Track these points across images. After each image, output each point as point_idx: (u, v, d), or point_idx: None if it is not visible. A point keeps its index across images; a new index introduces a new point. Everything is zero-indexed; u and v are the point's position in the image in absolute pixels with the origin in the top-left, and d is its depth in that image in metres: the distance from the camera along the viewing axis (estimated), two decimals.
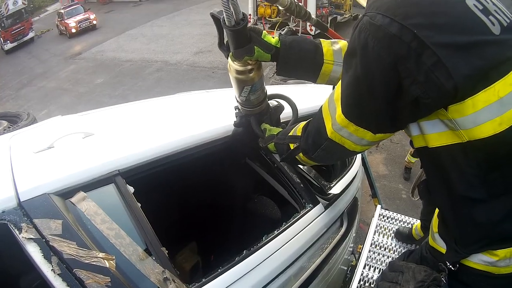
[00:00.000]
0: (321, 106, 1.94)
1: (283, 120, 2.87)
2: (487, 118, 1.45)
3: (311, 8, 17.20)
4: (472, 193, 1.61)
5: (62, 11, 33.89)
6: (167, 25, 28.39)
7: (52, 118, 3.56)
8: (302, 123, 2.24)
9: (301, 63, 2.33)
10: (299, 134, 2.21)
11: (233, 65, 2.29)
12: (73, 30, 31.43)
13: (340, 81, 1.76)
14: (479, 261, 1.78)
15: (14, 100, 19.56)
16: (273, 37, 2.28)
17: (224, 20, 2.05)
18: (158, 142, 2.65)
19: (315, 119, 2.02)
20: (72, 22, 31.71)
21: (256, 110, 2.61)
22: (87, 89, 18.63)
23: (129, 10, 38.33)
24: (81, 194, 2.13)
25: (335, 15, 20.32)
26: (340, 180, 3.51)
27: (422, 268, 2.04)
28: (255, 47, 2.19)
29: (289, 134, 2.33)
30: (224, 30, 2.14)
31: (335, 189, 3.27)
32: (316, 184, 3.13)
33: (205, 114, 3.56)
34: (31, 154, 2.52)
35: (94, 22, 32.97)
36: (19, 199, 1.99)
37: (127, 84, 18.09)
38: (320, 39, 2.38)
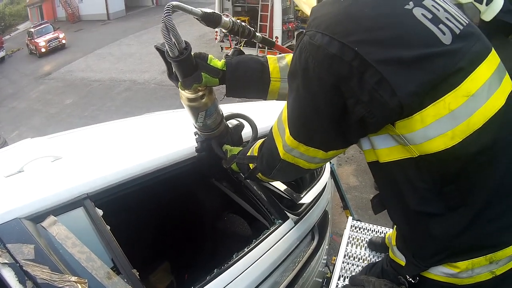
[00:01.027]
0: (271, 127, 1.95)
1: (246, 139, 2.89)
2: (438, 133, 1.42)
3: (277, 23, 17.24)
4: (427, 207, 1.59)
5: (32, 29, 33.79)
6: (135, 44, 28.29)
7: (22, 141, 3.57)
8: (258, 142, 2.25)
9: (248, 83, 2.35)
10: (256, 154, 2.22)
11: (184, 94, 2.32)
12: (43, 50, 31.27)
13: (287, 100, 1.77)
14: (440, 273, 1.76)
15: None
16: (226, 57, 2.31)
17: (168, 52, 2.07)
18: (126, 164, 2.66)
19: (268, 140, 2.03)
20: (41, 41, 31.53)
21: (215, 133, 2.62)
22: (57, 109, 18.50)
23: (98, 29, 38.13)
24: (52, 218, 2.13)
25: (301, 30, 20.37)
26: (310, 190, 3.53)
27: (382, 281, 2.04)
28: (202, 73, 2.20)
29: (247, 154, 2.35)
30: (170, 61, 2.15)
31: (306, 199, 3.29)
32: (286, 196, 3.15)
33: (172, 134, 3.57)
34: (1, 178, 2.53)
35: (63, 41, 32.80)
36: None
37: (96, 104, 18.00)
38: (267, 56, 2.38)
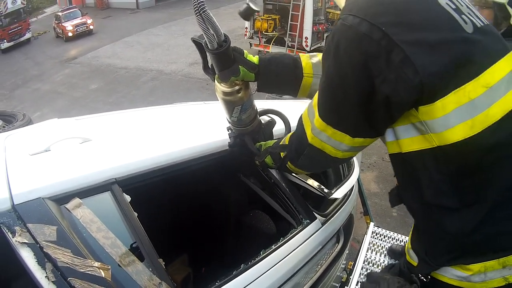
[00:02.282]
0: (301, 114, 1.98)
1: (276, 136, 2.86)
2: (458, 121, 1.47)
3: (308, 23, 17.28)
4: (443, 200, 1.64)
5: (60, 13, 33.92)
6: (163, 34, 28.42)
7: (49, 120, 3.52)
8: (291, 133, 2.26)
9: (281, 78, 2.36)
10: (287, 143, 2.24)
11: (220, 87, 2.30)
12: (70, 34, 31.40)
13: (319, 84, 1.81)
14: (452, 276, 1.80)
15: (7, 100, 19.51)
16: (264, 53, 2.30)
17: (207, 44, 2.04)
18: (156, 152, 2.63)
19: (297, 127, 2.05)
20: (69, 26, 31.66)
21: (249, 129, 2.62)
22: (81, 94, 18.59)
23: (126, 17, 38.35)
24: (77, 200, 2.08)
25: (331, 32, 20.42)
26: (340, 187, 3.49)
27: (396, 279, 2.14)
28: (240, 67, 2.19)
29: (280, 144, 2.36)
30: (207, 53, 2.13)
31: (337, 194, 3.25)
32: (317, 191, 3.10)
33: (203, 126, 3.54)
34: (26, 156, 2.49)
35: (91, 27, 32.96)
36: (13, 202, 1.94)
37: (122, 91, 18.06)
38: (300, 54, 2.42)
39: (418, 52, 1.41)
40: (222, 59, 2.13)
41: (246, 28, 18.07)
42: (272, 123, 2.85)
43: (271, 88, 2.43)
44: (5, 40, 30.90)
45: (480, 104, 1.45)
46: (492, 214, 1.59)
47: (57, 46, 30.52)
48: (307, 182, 3.05)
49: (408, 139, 1.63)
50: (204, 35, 1.99)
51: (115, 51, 25.57)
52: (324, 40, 19.04)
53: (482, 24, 1.55)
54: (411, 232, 2.12)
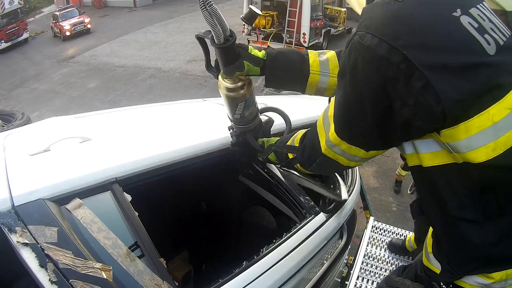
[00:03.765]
0: (317, 121, 1.95)
1: (275, 132, 2.88)
2: (481, 144, 1.42)
3: (305, 19, 17.34)
4: (466, 214, 1.60)
5: (57, 13, 33.64)
6: (161, 32, 28.42)
7: (48, 119, 3.51)
8: (300, 133, 2.24)
9: (288, 74, 2.34)
10: (297, 144, 2.21)
11: (224, 83, 2.30)
12: (67, 33, 31.23)
13: (334, 98, 1.76)
14: (474, 283, 1.77)
15: (6, 100, 19.48)
16: (263, 49, 2.29)
17: (213, 39, 2.04)
18: (157, 151, 2.62)
19: (311, 133, 2.04)
20: (66, 25, 31.50)
21: (251, 126, 2.61)
22: (79, 93, 18.60)
23: (124, 16, 38.27)
24: (77, 201, 2.08)
25: (329, 28, 20.50)
26: (346, 187, 3.50)
27: (417, 286, 2.07)
28: (244, 62, 2.20)
29: (287, 144, 2.33)
30: (214, 48, 2.13)
31: (344, 195, 3.25)
32: (329, 195, 3.10)
33: (203, 124, 3.54)
34: (26, 156, 2.48)
35: (89, 26, 32.79)
36: (13, 203, 1.94)
37: (120, 89, 18.09)
38: (308, 50, 2.38)
39: (440, 77, 1.34)
40: (227, 54, 2.14)
41: (244, 25, 18.05)
42: (270, 121, 2.85)
43: (278, 84, 2.42)
44: (3, 41, 30.74)
45: (503, 126, 1.41)
46: None
47: (55, 46, 30.45)
48: (316, 185, 3.06)
49: (430, 154, 1.59)
50: (211, 29, 1.99)
51: (112, 50, 25.56)
52: (322, 36, 19.06)
53: (505, 39, 1.47)
54: (429, 237, 2.08)
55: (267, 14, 18.31)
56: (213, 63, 2.36)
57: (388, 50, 1.37)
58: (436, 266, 1.98)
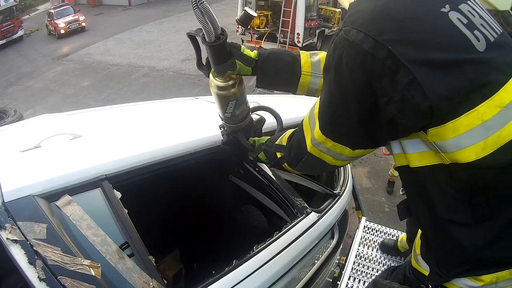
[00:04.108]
0: (303, 119, 1.93)
1: (267, 131, 2.87)
2: (470, 143, 1.39)
3: (300, 20, 17.35)
4: (456, 216, 1.58)
5: (52, 11, 33.64)
6: (155, 31, 28.41)
7: (39, 116, 3.51)
8: (289, 132, 2.23)
9: (279, 75, 2.33)
10: (285, 143, 2.20)
11: (215, 82, 2.29)
12: (62, 31, 31.19)
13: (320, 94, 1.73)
14: (463, 285, 1.76)
15: (0, 98, 19.44)
16: (258, 47, 2.28)
17: (204, 37, 2.03)
18: (147, 148, 2.61)
19: (297, 132, 2.02)
20: (61, 23, 31.46)
21: (242, 125, 2.61)
22: (73, 91, 18.57)
23: (118, 14, 38.26)
24: (67, 197, 2.08)
25: (323, 28, 20.50)
26: (340, 183, 3.51)
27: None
28: (236, 61, 2.19)
29: (276, 143, 2.32)
30: (205, 47, 2.12)
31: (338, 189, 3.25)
32: (324, 189, 3.10)
33: (194, 122, 3.54)
34: (16, 152, 2.47)
35: (83, 24, 32.75)
36: (3, 199, 1.94)
37: (113, 88, 18.06)
38: (300, 51, 2.38)
39: (426, 73, 1.30)
40: (218, 53, 2.12)
41: (238, 25, 18.09)
42: (262, 120, 2.85)
43: (269, 84, 2.41)
44: None
45: (493, 125, 1.37)
46: (506, 230, 1.55)
47: (50, 43, 30.39)
48: (308, 180, 3.06)
49: (417, 154, 1.56)
50: (202, 27, 1.98)
51: (107, 48, 25.51)
52: (316, 36, 19.07)
53: (496, 36, 1.44)
54: (417, 238, 2.07)
55: (262, 14, 18.31)
56: (204, 61, 2.35)
57: (373, 45, 1.34)
58: (424, 268, 1.98)
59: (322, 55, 2.33)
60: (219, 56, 2.13)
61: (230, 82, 2.27)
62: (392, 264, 4.32)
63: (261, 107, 2.87)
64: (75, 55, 25.11)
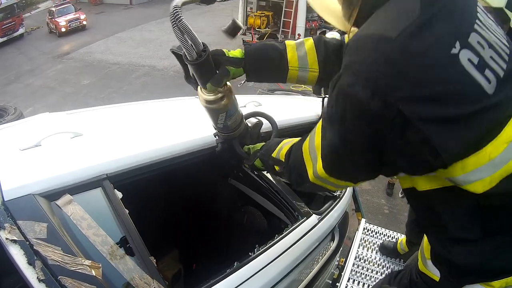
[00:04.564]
0: (302, 145, 1.90)
1: (266, 131, 2.84)
2: (477, 178, 1.38)
3: (301, 20, 17.31)
4: (467, 234, 1.58)
5: (53, 9, 33.63)
6: (156, 30, 28.36)
7: (40, 114, 3.49)
8: (286, 147, 2.17)
9: (267, 72, 2.32)
10: (283, 159, 2.15)
11: (203, 96, 2.27)
12: (63, 29, 31.22)
13: (320, 126, 1.70)
14: None
15: (0, 95, 19.43)
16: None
17: (186, 55, 1.99)
18: (148, 147, 2.61)
19: (296, 156, 1.97)
20: (62, 21, 31.47)
21: (236, 134, 2.57)
22: (73, 89, 18.56)
23: (120, 13, 38.28)
24: (67, 197, 2.07)
25: (324, 29, 20.46)
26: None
27: None
28: (227, 67, 2.15)
29: (273, 155, 2.27)
30: (188, 65, 2.09)
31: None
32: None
33: (195, 121, 3.53)
34: (17, 151, 2.46)
35: (84, 22, 32.81)
36: (3, 198, 1.94)
37: (114, 87, 18.04)
38: (286, 42, 2.33)
39: (438, 131, 1.26)
40: (204, 68, 2.08)
41: None
42: (259, 124, 2.80)
43: (259, 80, 2.40)
44: None
45: (500, 162, 1.36)
46: None
47: (50, 42, 30.39)
48: None
49: (424, 177, 1.54)
50: (182, 46, 1.95)
51: (108, 47, 25.51)
52: None
53: (505, 66, 1.36)
54: (425, 242, 2.02)
55: (263, 14, 18.29)
56: (192, 75, 2.29)
57: (382, 105, 1.28)
58: (435, 274, 1.95)
59: (308, 46, 2.30)
60: (206, 71, 2.09)
61: (219, 95, 2.24)
62: (391, 266, 4.31)
63: (255, 113, 2.83)
64: (75, 54, 25.11)
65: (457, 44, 1.27)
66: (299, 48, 2.30)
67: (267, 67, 2.29)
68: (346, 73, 1.38)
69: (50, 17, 33.19)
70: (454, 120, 1.26)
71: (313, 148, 1.77)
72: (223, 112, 2.34)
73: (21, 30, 32.92)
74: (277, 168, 2.28)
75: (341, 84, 1.40)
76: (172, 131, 3.03)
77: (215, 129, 2.59)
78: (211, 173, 3.42)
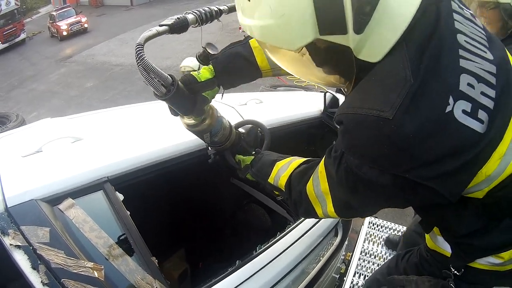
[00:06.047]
0: (306, 188, 1.88)
1: (269, 127, 2.81)
2: (476, 190, 1.51)
3: None
4: (474, 229, 1.66)
5: (54, 13, 33.70)
6: None
7: (41, 120, 3.51)
8: (283, 176, 2.11)
9: (242, 80, 2.35)
10: (283, 189, 2.11)
11: (185, 121, 2.27)
12: (64, 33, 31.29)
13: (324, 172, 1.72)
14: (485, 262, 1.81)
15: (4, 101, 19.46)
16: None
17: (155, 93, 1.96)
18: (149, 148, 2.62)
19: (302, 196, 1.93)
20: (63, 25, 31.54)
21: (227, 145, 2.56)
22: (77, 92, 18.56)
23: (121, 15, 38.22)
24: (69, 201, 2.09)
25: None
26: None
27: (426, 279, 2.03)
28: (203, 94, 2.16)
29: (269, 181, 2.23)
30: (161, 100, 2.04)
31: None
32: None
33: None
34: (19, 158, 2.48)
35: (86, 25, 32.86)
36: (6, 205, 1.95)
37: (117, 88, 18.02)
38: (251, 43, 2.29)
39: (443, 182, 1.35)
40: (180, 100, 2.06)
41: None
42: (254, 128, 2.77)
43: (235, 86, 2.38)
44: (0, 42, 30.75)
45: (495, 175, 1.46)
46: None
47: (52, 46, 30.42)
48: None
49: None
50: (148, 84, 1.89)
51: (110, 49, 25.48)
52: None
53: (494, 94, 1.38)
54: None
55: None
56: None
57: (392, 179, 1.36)
58: (446, 250, 1.98)
59: None
60: (183, 102, 2.08)
61: (202, 117, 2.25)
62: None
63: (246, 122, 2.80)
64: (78, 57, 25.12)
65: (451, 100, 1.29)
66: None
67: (239, 77, 2.33)
68: (350, 154, 1.44)
69: (51, 21, 33.31)
70: (457, 170, 1.33)
71: (319, 192, 1.79)
72: (207, 132, 2.35)
73: (22, 36, 33.04)
74: (276, 192, 2.28)
75: (348, 164, 1.46)
76: (172, 131, 3.03)
77: (205, 143, 2.58)
78: (213, 172, 3.43)
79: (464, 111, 1.30)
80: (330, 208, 1.76)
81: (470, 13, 1.55)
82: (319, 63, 1.49)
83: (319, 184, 1.77)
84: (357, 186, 1.48)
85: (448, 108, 1.28)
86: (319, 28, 1.30)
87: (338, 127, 1.47)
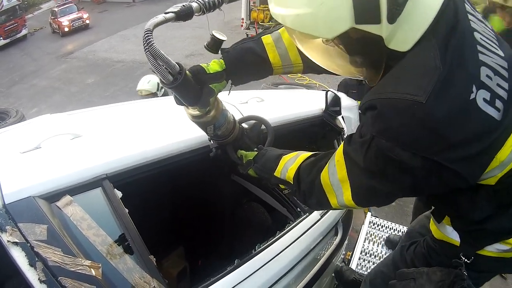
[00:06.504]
0: (320, 177, 1.91)
1: (275, 124, 2.80)
2: (490, 176, 1.61)
3: None
4: (486, 215, 1.76)
5: (56, 9, 33.62)
6: (160, 27, 28.12)
7: (41, 116, 3.49)
8: (291, 168, 2.14)
9: (252, 76, 2.40)
10: (291, 182, 2.13)
11: (190, 112, 2.27)
12: (66, 29, 31.27)
13: (342, 159, 1.76)
14: (493, 249, 1.92)
15: (5, 97, 19.46)
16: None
17: (162, 80, 1.97)
18: (148, 146, 2.60)
19: (313, 185, 1.98)
20: (65, 21, 31.51)
21: (230, 140, 2.56)
22: (78, 88, 18.55)
23: (122, 11, 38.22)
24: (67, 198, 2.08)
25: None
26: None
27: (436, 269, 2.08)
28: (210, 86, 2.16)
29: (276, 175, 2.24)
30: (167, 88, 2.04)
31: None
32: None
33: None
34: (17, 154, 2.47)
35: (87, 21, 32.83)
36: (4, 201, 1.94)
37: (118, 85, 18.00)
38: (263, 39, 2.31)
39: (467, 165, 1.45)
40: (187, 89, 2.08)
41: (243, 19, 17.90)
42: (258, 124, 2.78)
43: (244, 82, 2.40)
44: (1, 38, 30.70)
45: (508, 161, 1.56)
46: None
47: (54, 42, 30.43)
48: None
49: None
50: (155, 71, 1.94)
51: (111, 45, 25.47)
52: None
53: (507, 85, 1.52)
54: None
55: (266, 8, 18.16)
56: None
57: (421, 160, 1.43)
58: (455, 239, 2.02)
59: (286, 41, 2.28)
60: (189, 92, 2.09)
61: (206, 109, 2.24)
62: None
63: (250, 117, 2.80)
64: (79, 53, 25.12)
65: (474, 88, 1.42)
66: (278, 44, 2.30)
67: (250, 73, 2.35)
68: (383, 138, 1.49)
69: (52, 17, 33.25)
70: (478, 154, 1.45)
71: (336, 181, 1.82)
72: (211, 125, 2.34)
73: (24, 31, 33.05)
74: (282, 186, 2.31)
75: (379, 148, 1.51)
76: (171, 129, 3.02)
77: (208, 136, 2.58)
78: (213, 170, 3.41)
79: (484, 99, 1.43)
80: (348, 196, 1.78)
81: (480, 16, 1.65)
82: (349, 52, 1.56)
83: (335, 173, 1.82)
84: (387, 169, 1.53)
85: (472, 96, 1.40)
86: (355, 17, 1.35)
87: (365, 114, 1.56)
